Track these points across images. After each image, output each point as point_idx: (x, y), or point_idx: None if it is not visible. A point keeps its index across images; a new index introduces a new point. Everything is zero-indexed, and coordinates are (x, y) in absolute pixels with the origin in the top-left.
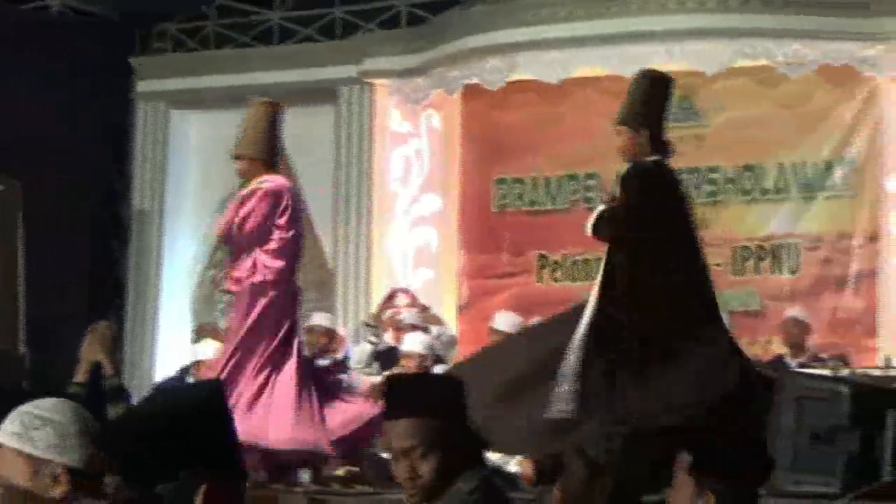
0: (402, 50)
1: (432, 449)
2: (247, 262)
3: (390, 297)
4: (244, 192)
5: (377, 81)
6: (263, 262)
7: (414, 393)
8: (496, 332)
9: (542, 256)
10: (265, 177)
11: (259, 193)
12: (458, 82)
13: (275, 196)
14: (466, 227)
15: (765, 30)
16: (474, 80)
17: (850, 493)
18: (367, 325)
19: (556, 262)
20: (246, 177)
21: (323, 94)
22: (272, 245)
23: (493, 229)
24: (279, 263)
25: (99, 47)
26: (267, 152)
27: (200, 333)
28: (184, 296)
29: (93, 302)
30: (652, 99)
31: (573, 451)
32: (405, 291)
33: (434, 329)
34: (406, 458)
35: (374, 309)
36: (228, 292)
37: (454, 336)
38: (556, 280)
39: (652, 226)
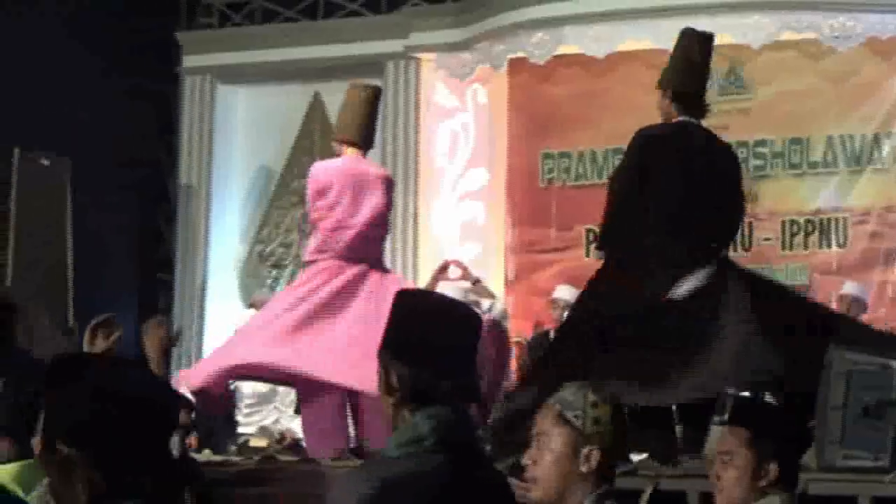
0: (448, 24)
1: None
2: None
3: (443, 269)
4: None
5: (423, 56)
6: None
7: None
8: (555, 302)
9: (591, 231)
10: None
11: None
12: (504, 56)
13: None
14: (514, 202)
15: (811, 2)
16: (520, 55)
17: None
18: None
19: None
20: None
21: (369, 68)
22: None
23: (540, 204)
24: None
25: (145, 22)
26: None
27: (253, 307)
28: (231, 270)
29: (141, 276)
30: (677, 59)
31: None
32: (458, 263)
33: (485, 303)
34: None
35: (425, 281)
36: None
37: (505, 309)
38: None
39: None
